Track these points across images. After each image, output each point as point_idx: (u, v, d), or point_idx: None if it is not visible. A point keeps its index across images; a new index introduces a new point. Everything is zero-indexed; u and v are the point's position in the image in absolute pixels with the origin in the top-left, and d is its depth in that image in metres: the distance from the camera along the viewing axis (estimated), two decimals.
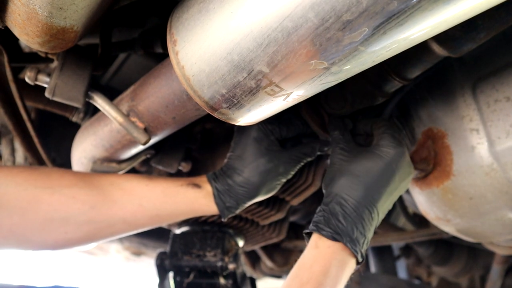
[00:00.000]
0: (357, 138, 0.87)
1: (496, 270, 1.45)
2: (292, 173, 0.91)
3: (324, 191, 0.79)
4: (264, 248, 1.46)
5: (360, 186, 0.74)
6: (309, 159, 0.91)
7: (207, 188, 0.90)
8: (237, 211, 0.91)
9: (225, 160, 0.91)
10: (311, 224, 0.76)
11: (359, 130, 0.88)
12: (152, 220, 0.90)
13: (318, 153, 0.91)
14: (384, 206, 0.77)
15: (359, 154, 0.78)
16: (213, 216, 1.08)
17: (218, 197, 0.89)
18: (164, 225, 0.95)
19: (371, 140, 0.84)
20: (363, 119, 0.88)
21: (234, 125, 0.79)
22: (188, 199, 0.89)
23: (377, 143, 0.79)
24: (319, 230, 0.73)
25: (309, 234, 0.77)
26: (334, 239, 0.72)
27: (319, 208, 0.77)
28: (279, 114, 0.86)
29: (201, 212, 0.92)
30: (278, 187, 0.91)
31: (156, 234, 1.64)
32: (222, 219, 0.91)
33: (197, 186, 0.90)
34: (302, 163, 0.91)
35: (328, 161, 1.04)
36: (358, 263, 0.75)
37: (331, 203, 0.75)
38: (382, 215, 0.77)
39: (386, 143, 0.78)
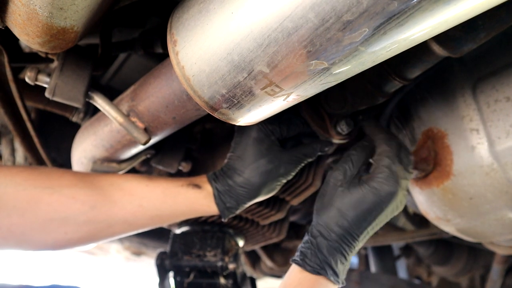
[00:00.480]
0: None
1: (496, 270, 1.45)
2: (293, 174, 0.91)
3: (313, 216, 0.83)
4: (264, 248, 1.46)
5: (345, 223, 0.78)
6: (310, 160, 0.91)
7: (208, 188, 0.90)
8: (238, 212, 0.91)
9: (225, 160, 0.91)
10: (297, 253, 0.81)
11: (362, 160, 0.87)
12: (152, 220, 0.90)
13: (319, 153, 0.91)
14: (366, 237, 0.80)
15: (353, 187, 0.79)
16: (213, 216, 1.08)
17: (219, 197, 0.89)
18: (164, 225, 0.95)
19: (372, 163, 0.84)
20: (364, 120, 0.88)
21: (234, 125, 0.79)
22: (188, 200, 0.89)
23: (373, 176, 0.79)
24: (305, 265, 0.78)
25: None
26: (318, 273, 0.77)
27: (306, 238, 0.81)
28: (279, 113, 0.86)
29: (202, 213, 0.92)
30: (278, 187, 0.91)
31: (156, 234, 1.64)
32: (223, 220, 0.91)
33: (198, 186, 0.90)
34: (302, 164, 0.91)
35: (328, 161, 1.04)
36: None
37: (318, 237, 0.79)
38: (363, 243, 0.81)
39: (381, 180, 0.78)
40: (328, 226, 0.79)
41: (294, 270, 0.80)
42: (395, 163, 0.80)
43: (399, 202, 0.80)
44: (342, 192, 0.79)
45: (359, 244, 0.80)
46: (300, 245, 0.82)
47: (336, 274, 0.78)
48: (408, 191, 1.08)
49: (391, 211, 0.80)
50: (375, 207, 0.77)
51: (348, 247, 0.78)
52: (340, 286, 0.80)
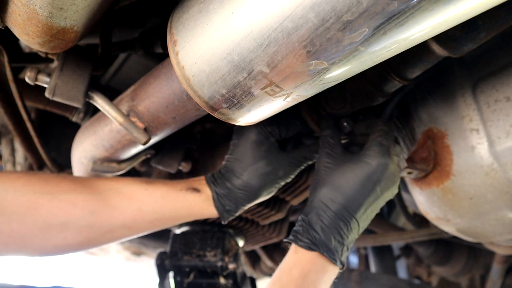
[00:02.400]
0: (356, 139, 0.87)
1: (496, 270, 1.45)
2: (292, 176, 0.91)
3: (308, 198, 0.81)
4: (264, 248, 1.46)
5: (339, 197, 0.76)
6: (309, 163, 0.91)
7: (207, 192, 0.90)
8: (237, 214, 0.91)
9: (224, 162, 0.91)
10: (291, 233, 0.79)
11: (359, 131, 0.87)
12: (152, 224, 0.90)
13: (316, 159, 0.90)
14: (364, 216, 0.78)
15: (343, 163, 0.78)
16: None
17: (218, 200, 0.89)
18: (163, 228, 0.95)
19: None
20: (365, 120, 0.88)
21: (234, 125, 0.79)
22: (187, 203, 0.89)
23: (365, 150, 0.79)
24: (297, 241, 0.76)
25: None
26: (310, 249, 0.75)
27: (299, 217, 0.80)
28: (278, 114, 0.86)
29: (201, 216, 0.92)
30: (277, 189, 0.91)
31: (156, 234, 1.64)
32: (222, 222, 0.91)
33: (196, 190, 0.90)
34: (302, 167, 0.91)
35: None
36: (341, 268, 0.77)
37: (310, 214, 0.77)
38: (363, 224, 0.79)
39: (371, 153, 0.77)
40: (323, 202, 0.76)
41: (289, 252, 0.78)
42: (387, 139, 0.80)
43: (392, 176, 0.78)
44: (334, 169, 0.78)
45: (357, 225, 0.77)
46: (294, 226, 0.80)
47: (330, 250, 0.75)
48: (408, 191, 1.08)
49: (385, 185, 0.77)
50: (367, 178, 0.76)
51: (344, 224, 0.75)
52: (339, 266, 0.76)
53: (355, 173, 0.76)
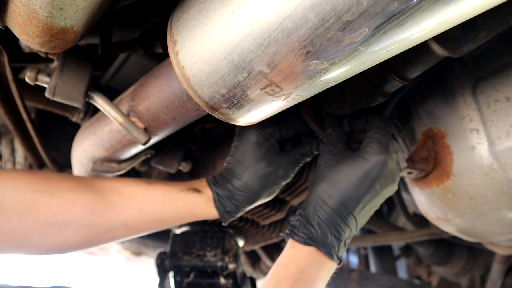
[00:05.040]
0: (355, 135, 0.87)
1: (496, 270, 1.45)
2: (292, 175, 0.91)
3: (307, 194, 0.81)
4: (264, 248, 1.46)
5: (337, 193, 0.76)
6: (307, 159, 0.91)
7: (207, 192, 0.90)
8: (238, 215, 0.91)
9: (225, 164, 0.91)
10: (288, 227, 0.79)
11: (358, 128, 0.88)
12: (152, 224, 0.90)
13: (316, 152, 0.90)
14: (362, 212, 0.78)
15: (342, 160, 0.79)
16: None
17: (219, 201, 0.89)
18: (164, 229, 0.95)
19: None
20: (363, 116, 0.88)
21: (234, 125, 0.79)
22: (188, 204, 0.89)
23: (363, 148, 0.79)
24: (293, 236, 0.76)
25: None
26: (306, 243, 0.75)
27: (297, 212, 0.80)
28: (277, 115, 0.86)
29: (201, 217, 0.92)
30: (278, 190, 0.91)
31: (156, 234, 1.64)
32: (223, 223, 0.91)
33: (197, 191, 0.90)
34: (301, 164, 0.91)
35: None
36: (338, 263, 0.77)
37: (308, 209, 0.77)
38: (361, 220, 0.79)
39: (370, 150, 0.77)
40: (320, 197, 0.76)
41: (286, 247, 0.78)
42: (386, 136, 0.80)
43: (391, 172, 0.78)
44: (333, 165, 0.78)
45: (354, 221, 0.77)
46: (291, 221, 0.80)
47: (327, 245, 0.74)
48: (408, 191, 1.08)
49: (384, 181, 0.77)
50: (366, 175, 0.76)
51: (341, 220, 0.75)
52: (336, 261, 0.76)
53: (353, 169, 0.76)
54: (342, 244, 0.76)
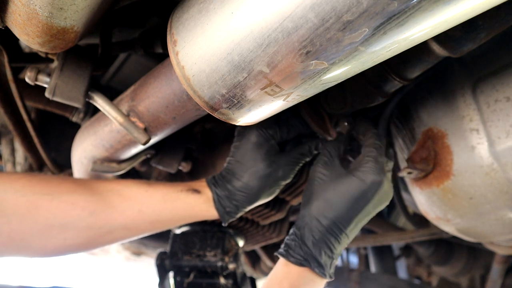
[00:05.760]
0: (351, 148, 0.88)
1: (496, 270, 1.45)
2: (292, 176, 0.91)
3: (300, 210, 0.82)
4: (264, 248, 1.46)
5: (331, 213, 0.77)
6: (307, 159, 0.91)
7: (207, 193, 0.90)
8: (237, 216, 0.91)
9: (225, 165, 0.91)
10: (282, 245, 0.81)
11: (355, 133, 0.88)
12: (152, 225, 0.90)
13: (315, 152, 0.90)
14: (354, 229, 0.79)
15: (337, 178, 0.79)
16: None
17: (218, 202, 0.89)
18: (164, 230, 0.95)
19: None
20: (360, 123, 0.88)
21: (234, 125, 0.79)
22: (188, 205, 0.89)
23: (359, 166, 0.79)
24: (289, 257, 0.78)
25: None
26: (302, 265, 0.77)
27: (292, 230, 0.81)
28: (278, 116, 0.86)
29: (201, 217, 0.92)
30: (278, 190, 0.91)
31: (156, 234, 1.64)
32: (223, 224, 0.91)
33: (197, 191, 0.90)
34: (300, 164, 0.91)
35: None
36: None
37: (303, 229, 0.79)
38: (352, 235, 0.80)
39: (366, 170, 0.78)
40: (315, 217, 0.78)
41: (279, 263, 0.80)
42: (382, 155, 0.80)
43: (385, 193, 0.79)
44: (328, 183, 0.79)
45: (346, 238, 0.79)
46: (286, 238, 0.81)
47: (321, 266, 0.76)
48: (408, 191, 1.08)
49: (378, 202, 0.78)
50: (361, 196, 0.76)
51: (334, 239, 0.77)
52: (328, 279, 0.78)
53: (348, 189, 0.77)
54: (334, 261, 0.79)
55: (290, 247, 0.79)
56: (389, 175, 0.80)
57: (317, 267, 0.76)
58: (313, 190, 0.81)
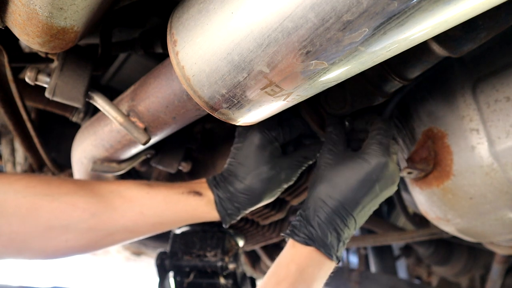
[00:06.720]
0: (357, 135, 0.87)
1: (496, 270, 1.45)
2: (294, 178, 0.91)
3: (307, 193, 0.82)
4: (264, 248, 1.46)
5: (337, 194, 0.76)
6: (310, 163, 0.91)
7: (209, 195, 0.89)
8: (239, 217, 0.91)
9: (226, 166, 0.91)
10: (289, 227, 0.80)
11: (359, 127, 0.88)
12: (153, 227, 0.89)
13: (318, 155, 0.90)
14: (361, 213, 0.78)
15: (342, 160, 0.79)
16: None
17: (220, 204, 0.88)
18: (165, 231, 0.95)
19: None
20: (364, 115, 0.88)
21: (234, 125, 0.79)
22: (189, 207, 0.89)
23: (364, 149, 0.79)
24: (293, 236, 0.77)
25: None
26: (307, 244, 0.76)
27: (298, 212, 0.80)
28: (279, 117, 0.86)
29: (203, 219, 0.92)
30: (280, 192, 0.91)
31: (156, 234, 1.64)
32: (224, 226, 0.91)
33: (199, 193, 0.89)
34: (303, 167, 0.91)
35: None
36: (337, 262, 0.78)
37: (308, 210, 0.78)
38: (360, 220, 0.79)
39: (371, 151, 0.77)
40: (320, 199, 0.77)
41: (286, 246, 0.79)
42: (387, 138, 0.80)
43: (391, 175, 0.78)
44: (333, 166, 0.79)
45: (354, 222, 0.77)
46: (292, 220, 0.81)
47: (327, 246, 0.75)
48: (408, 191, 1.08)
49: (384, 184, 0.78)
50: (366, 177, 0.76)
51: (341, 221, 0.76)
52: (335, 262, 0.77)
53: (354, 171, 0.77)
54: (341, 244, 0.77)
55: (296, 227, 0.78)
56: (395, 157, 0.80)
57: (323, 246, 0.75)
58: (318, 174, 0.80)
